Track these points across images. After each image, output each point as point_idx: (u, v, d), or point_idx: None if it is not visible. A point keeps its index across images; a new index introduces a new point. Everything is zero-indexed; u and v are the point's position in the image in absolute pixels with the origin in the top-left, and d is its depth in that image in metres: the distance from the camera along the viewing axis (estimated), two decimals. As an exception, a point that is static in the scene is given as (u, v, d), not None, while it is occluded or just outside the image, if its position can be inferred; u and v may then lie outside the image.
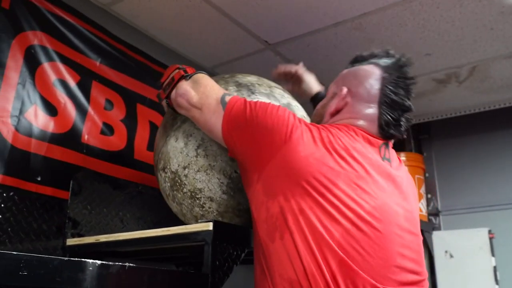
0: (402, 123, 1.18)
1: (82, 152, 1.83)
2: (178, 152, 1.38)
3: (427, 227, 2.82)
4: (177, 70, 1.34)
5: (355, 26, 2.15)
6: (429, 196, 3.17)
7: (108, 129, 1.96)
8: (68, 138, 1.79)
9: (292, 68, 1.67)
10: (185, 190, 1.38)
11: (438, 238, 2.82)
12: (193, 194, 1.37)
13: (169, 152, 1.41)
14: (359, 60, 1.29)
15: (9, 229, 1.52)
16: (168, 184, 1.43)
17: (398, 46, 2.30)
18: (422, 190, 2.93)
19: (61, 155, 1.76)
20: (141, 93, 2.15)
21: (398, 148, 3.16)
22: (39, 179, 1.66)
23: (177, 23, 2.15)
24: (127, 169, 1.98)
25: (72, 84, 1.86)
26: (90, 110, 1.90)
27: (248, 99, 1.20)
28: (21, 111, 1.66)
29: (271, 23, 2.13)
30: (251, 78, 1.49)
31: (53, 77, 1.80)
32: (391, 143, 1.21)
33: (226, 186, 1.35)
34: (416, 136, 3.33)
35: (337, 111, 1.22)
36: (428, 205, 3.14)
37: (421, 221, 2.72)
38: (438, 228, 3.08)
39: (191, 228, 1.26)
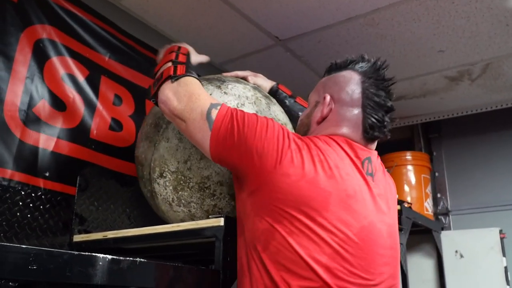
0: (386, 123, 1.21)
1: (90, 148, 1.80)
2: (174, 149, 1.35)
3: (436, 227, 2.78)
4: (169, 64, 1.28)
5: (368, 22, 2.11)
6: (438, 195, 3.13)
7: (116, 124, 1.94)
8: (77, 133, 1.77)
9: (239, 74, 1.66)
10: (191, 184, 1.34)
11: (448, 238, 2.78)
12: (201, 185, 1.34)
13: (163, 155, 1.37)
14: (334, 68, 1.29)
15: (15, 224, 1.50)
16: (171, 187, 1.37)
17: (411, 42, 2.27)
18: (428, 189, 2.89)
19: (70, 151, 1.73)
20: (149, 89, 2.13)
21: (407, 147, 3.14)
22: (47, 174, 1.64)
23: (186, 19, 2.13)
24: (134, 165, 1.95)
25: (81, 79, 1.84)
26: (99, 105, 1.88)
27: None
28: (29, 106, 1.64)
29: (282, 18, 2.10)
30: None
31: (61, 72, 1.78)
32: (374, 155, 1.22)
33: None
34: (425, 135, 3.29)
35: (323, 119, 1.23)
36: (437, 204, 3.10)
37: (429, 221, 2.71)
38: (448, 228, 3.04)
39: (202, 223, 1.24)
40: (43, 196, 1.59)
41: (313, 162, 1.06)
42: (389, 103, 1.21)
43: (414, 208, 2.63)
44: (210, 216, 1.23)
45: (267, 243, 1.04)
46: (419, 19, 2.08)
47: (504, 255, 2.60)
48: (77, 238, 1.55)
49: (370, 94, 1.19)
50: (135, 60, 2.09)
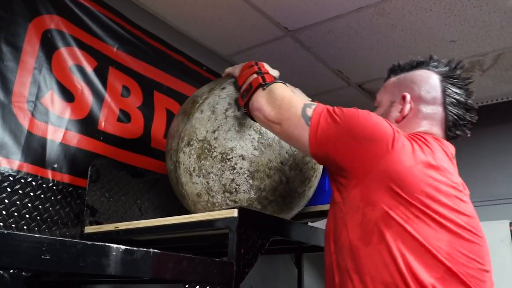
0: (467, 121, 1.22)
1: (99, 139, 1.79)
2: (206, 120, 1.39)
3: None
4: (255, 75, 1.30)
5: (378, 12, 2.08)
6: (449, 188, 3.11)
7: (125, 116, 1.92)
8: (85, 124, 1.76)
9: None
10: (215, 154, 1.36)
11: (459, 231, 2.76)
12: (224, 156, 1.35)
13: (194, 125, 1.41)
14: (401, 69, 1.30)
15: (27, 215, 1.49)
16: (195, 156, 1.39)
17: (422, 33, 2.23)
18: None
19: (78, 142, 1.72)
20: (158, 80, 2.11)
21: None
22: (55, 166, 1.63)
23: (195, 9, 2.10)
24: (144, 157, 1.94)
25: (89, 70, 1.82)
26: (107, 96, 1.87)
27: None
28: (37, 97, 1.63)
29: (292, 8, 2.07)
30: None
31: (70, 63, 1.76)
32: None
33: (257, 142, 1.37)
34: (435, 127, 3.26)
35: (403, 117, 1.22)
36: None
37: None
38: (458, 221, 3.01)
39: (215, 214, 1.22)
40: (54, 187, 1.58)
41: (422, 151, 1.06)
42: (469, 101, 1.22)
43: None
44: (223, 207, 1.21)
45: (382, 233, 1.01)
46: (430, 8, 2.05)
47: (515, 247, 2.57)
48: (89, 229, 1.54)
49: (450, 92, 1.21)
50: (144, 51, 2.07)
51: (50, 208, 1.55)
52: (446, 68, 1.24)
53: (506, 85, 2.77)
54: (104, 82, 1.86)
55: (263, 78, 1.27)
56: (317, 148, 1.10)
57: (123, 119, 1.91)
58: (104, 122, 1.83)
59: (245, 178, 1.35)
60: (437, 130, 1.20)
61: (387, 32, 2.24)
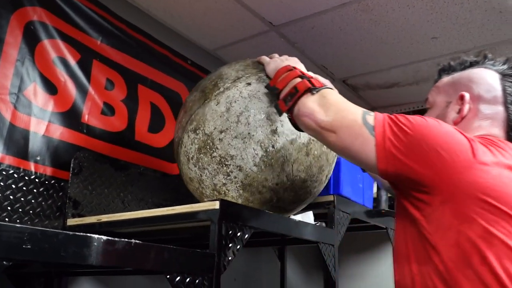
0: None
1: (82, 132, 1.79)
2: (218, 115, 1.35)
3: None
4: (298, 79, 1.18)
5: (362, 8, 2.10)
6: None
7: (108, 109, 1.92)
8: (68, 117, 1.75)
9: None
10: (215, 154, 1.35)
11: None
12: (222, 159, 1.34)
13: (206, 114, 1.37)
14: (452, 68, 1.23)
15: (8, 208, 1.48)
16: (196, 146, 1.38)
17: (405, 29, 2.26)
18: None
19: (61, 135, 1.72)
20: (142, 74, 2.11)
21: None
22: (38, 158, 1.62)
23: (180, 3, 2.10)
24: (128, 150, 1.94)
25: (72, 62, 1.82)
26: (91, 89, 1.86)
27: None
28: (20, 89, 1.62)
29: (276, 3, 2.08)
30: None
31: (53, 55, 1.75)
32: None
33: (260, 159, 1.34)
34: (418, 123, 3.30)
35: (462, 119, 1.15)
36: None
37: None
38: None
39: (197, 207, 1.23)
40: (36, 180, 1.58)
41: (503, 156, 0.98)
42: None
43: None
44: (205, 199, 1.23)
45: (482, 253, 0.91)
46: (413, 5, 2.07)
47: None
48: (71, 222, 1.54)
49: (511, 91, 1.13)
50: (128, 44, 2.07)
51: (33, 201, 1.55)
52: (505, 66, 1.16)
53: (487, 82, 2.82)
54: (87, 75, 1.86)
55: (310, 82, 1.16)
56: (387, 163, 0.98)
57: (106, 112, 1.91)
58: (88, 115, 1.83)
59: (236, 187, 1.36)
60: (498, 131, 1.12)
61: (371, 28, 2.27)
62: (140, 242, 0.98)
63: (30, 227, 0.78)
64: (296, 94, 1.16)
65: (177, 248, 1.07)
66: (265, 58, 1.44)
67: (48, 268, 1.31)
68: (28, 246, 0.77)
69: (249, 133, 1.33)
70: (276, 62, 1.36)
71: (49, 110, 1.70)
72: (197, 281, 1.09)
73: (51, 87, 1.72)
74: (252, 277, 2.53)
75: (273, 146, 1.34)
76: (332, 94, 1.12)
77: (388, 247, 2.59)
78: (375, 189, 2.19)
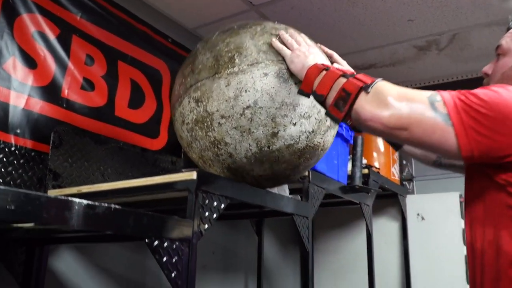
0: None
1: (62, 107, 1.81)
2: (224, 99, 1.29)
3: (401, 191, 2.90)
4: (343, 79, 1.06)
5: (340, -12, 2.14)
6: (404, 162, 3.25)
7: (88, 84, 1.94)
8: (48, 91, 1.77)
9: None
10: (210, 134, 1.34)
11: (411, 202, 2.91)
12: (216, 142, 1.34)
13: (212, 91, 1.31)
14: None
15: (-11, 179, 1.51)
16: (194, 116, 1.35)
17: (382, 11, 2.31)
18: (396, 155, 3.01)
19: (41, 109, 1.73)
20: (122, 50, 2.12)
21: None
22: (18, 131, 1.64)
23: (160, -21, 2.11)
24: (107, 125, 1.97)
25: (52, 37, 1.82)
26: (70, 64, 1.87)
27: None
28: (-1, 62, 1.63)
29: (256, -18, 2.11)
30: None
31: (32, 29, 1.76)
32: None
33: (252, 155, 1.35)
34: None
35: None
36: (403, 171, 3.22)
37: (396, 185, 2.82)
38: (412, 193, 3.17)
39: (175, 177, 1.28)
40: (17, 152, 1.60)
41: None
42: None
43: (382, 173, 2.73)
44: (183, 170, 1.27)
45: None
46: (390, -13, 2.13)
47: (462, 217, 2.74)
48: (52, 193, 1.57)
49: None
50: (108, 20, 2.07)
51: (13, 172, 1.57)
52: None
53: (462, 64, 2.90)
54: (67, 50, 1.87)
55: (357, 79, 1.04)
56: (472, 150, 0.94)
57: (86, 87, 1.92)
58: (68, 89, 1.84)
59: (222, 167, 1.39)
60: None
61: (349, 10, 2.31)
62: (120, 207, 1.02)
63: (14, 189, 0.82)
64: (348, 98, 1.03)
65: (155, 215, 1.11)
66: (285, 51, 1.31)
67: (32, 234, 1.34)
68: (12, 208, 0.81)
69: (249, 129, 1.30)
70: (299, 57, 1.25)
71: (28, 84, 1.71)
72: (174, 246, 1.14)
73: (30, 61, 1.73)
74: (230, 251, 2.60)
75: (268, 147, 1.33)
76: (387, 87, 1.01)
77: (362, 223, 2.68)
78: (349, 167, 2.26)
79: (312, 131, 1.37)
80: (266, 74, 1.29)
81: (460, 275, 2.66)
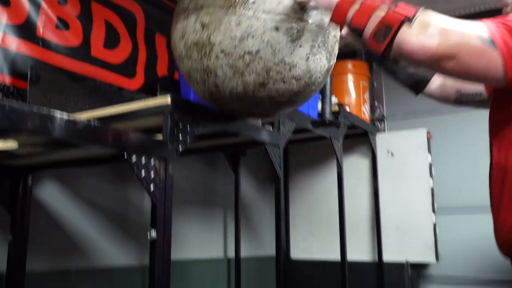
0: None
1: (38, 45, 1.84)
2: (229, 36, 1.30)
3: (371, 129, 3.02)
4: (381, 12, 1.05)
5: None
6: (376, 103, 3.37)
7: (63, 24, 1.96)
8: (24, 30, 1.80)
9: None
10: (204, 61, 1.35)
11: (381, 139, 3.05)
12: (207, 71, 1.36)
13: (221, 24, 1.30)
14: None
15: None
16: (195, 38, 1.35)
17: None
18: (366, 95, 3.11)
19: (18, 47, 1.77)
20: (95, -9, 2.14)
21: (349, 56, 3.30)
22: (-5, 68, 1.68)
23: None
24: (84, 64, 2.02)
25: (23, -25, 1.83)
26: (44, 4, 1.89)
27: None
28: (-29, 0, 1.65)
29: None
30: None
31: (3, -34, 1.77)
32: None
33: (236, 93, 1.38)
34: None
35: None
36: (374, 111, 3.35)
37: (366, 124, 2.94)
38: (383, 132, 3.31)
39: (151, 103, 1.36)
40: (-5, 86, 1.66)
41: None
42: None
43: (352, 112, 2.84)
44: (158, 94, 1.34)
45: None
46: None
47: (429, 152, 2.90)
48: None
49: None
50: (79, -41, 2.08)
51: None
52: None
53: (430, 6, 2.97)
54: (39, -11, 1.88)
55: (397, 13, 1.02)
56: None
57: (61, 26, 1.95)
58: (43, 28, 1.87)
59: (205, 91, 1.43)
60: None
61: None
62: (99, 125, 1.10)
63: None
64: (389, 31, 1.03)
65: (133, 133, 1.20)
66: None
67: (16, 161, 1.41)
68: (-2, 117, 0.89)
69: (243, 72, 1.33)
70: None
71: (3, 22, 1.74)
72: (152, 162, 1.23)
73: (3, -1, 1.75)
74: (208, 188, 2.72)
75: (253, 93, 1.38)
76: (432, 17, 1.01)
77: (333, 160, 2.80)
78: (320, 106, 2.35)
79: (297, 92, 1.43)
80: (277, 29, 1.29)
81: (427, 207, 2.83)
